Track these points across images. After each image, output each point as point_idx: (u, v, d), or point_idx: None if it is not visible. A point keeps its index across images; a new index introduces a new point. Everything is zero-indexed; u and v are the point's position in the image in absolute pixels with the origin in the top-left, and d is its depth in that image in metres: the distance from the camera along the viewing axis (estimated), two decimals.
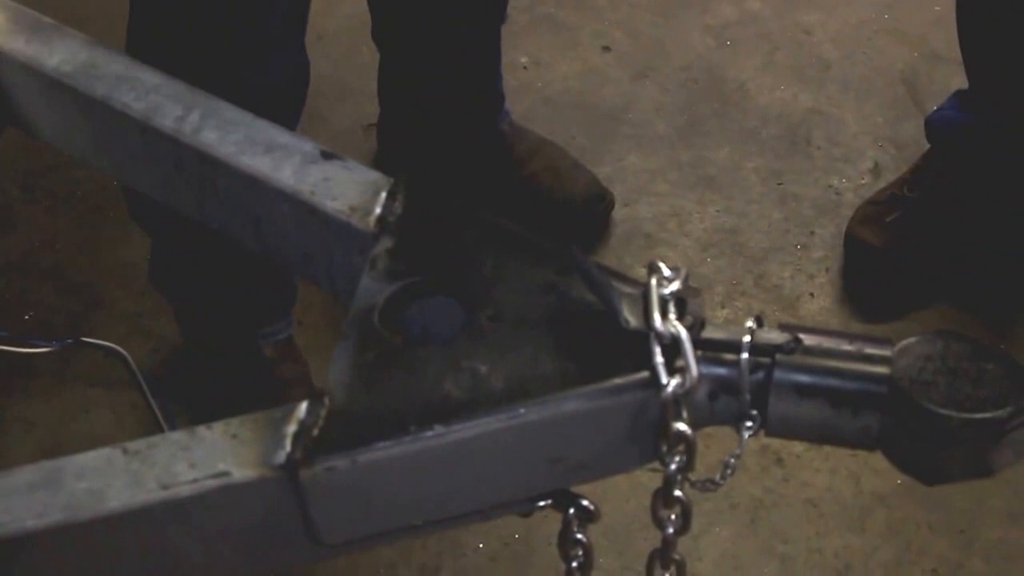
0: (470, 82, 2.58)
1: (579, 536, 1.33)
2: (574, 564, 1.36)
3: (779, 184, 2.79)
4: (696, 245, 2.67)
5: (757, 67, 3.07)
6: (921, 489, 2.28)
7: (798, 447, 2.32)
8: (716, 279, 2.61)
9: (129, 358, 1.77)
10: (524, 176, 2.63)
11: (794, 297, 2.59)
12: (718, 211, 2.74)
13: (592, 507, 1.30)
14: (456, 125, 2.60)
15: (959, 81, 2.63)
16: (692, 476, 1.27)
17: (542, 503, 1.29)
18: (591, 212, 2.65)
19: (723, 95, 3.00)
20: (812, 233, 2.70)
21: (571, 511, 1.30)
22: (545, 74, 3.06)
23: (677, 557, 1.34)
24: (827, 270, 2.64)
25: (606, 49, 3.13)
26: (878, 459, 2.27)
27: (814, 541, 2.23)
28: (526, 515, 1.34)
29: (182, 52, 1.87)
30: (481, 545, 2.21)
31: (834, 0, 3.17)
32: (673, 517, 1.29)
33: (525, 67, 3.07)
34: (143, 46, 2.03)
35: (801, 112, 2.94)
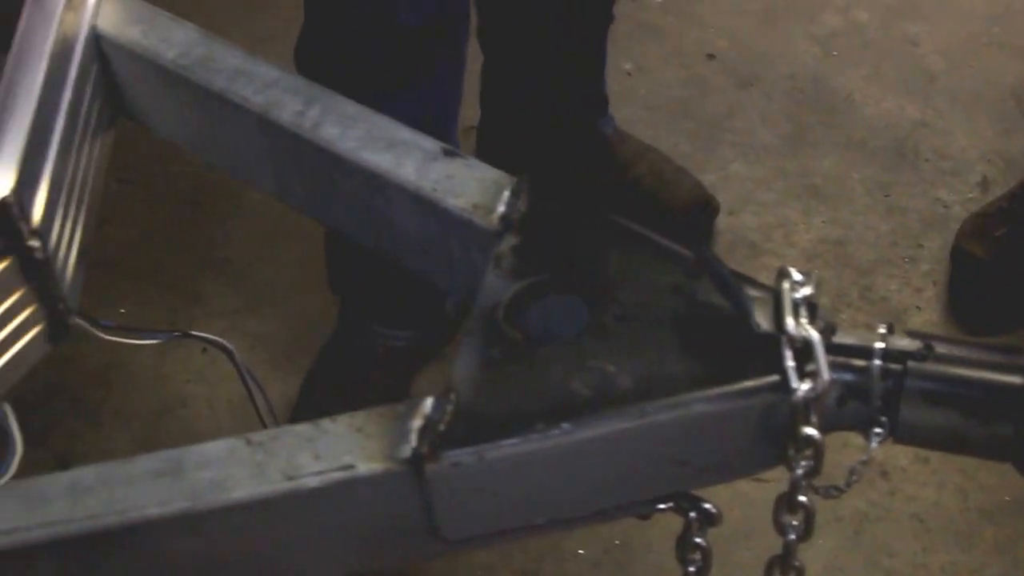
0: (575, 85, 2.59)
1: (698, 540, 1.33)
2: (691, 568, 1.36)
3: (886, 196, 2.78)
4: (801, 256, 2.65)
5: (863, 77, 3.05)
6: None
7: (904, 460, 2.31)
8: (822, 291, 2.59)
9: (235, 353, 1.78)
10: (628, 180, 2.63)
11: (900, 310, 2.57)
12: (824, 222, 2.73)
13: (715, 510, 1.30)
14: (559, 128, 2.60)
15: None
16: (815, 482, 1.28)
17: (663, 505, 1.30)
18: (695, 218, 2.65)
19: (829, 105, 2.99)
20: (919, 246, 2.68)
21: (692, 514, 1.30)
22: (649, 81, 3.06)
23: (797, 563, 1.34)
24: (934, 283, 2.62)
25: (710, 57, 3.12)
26: (986, 475, 2.28)
27: (920, 556, 2.22)
28: (645, 517, 1.34)
29: None
30: (582, 551, 2.21)
31: (941, 11, 3.14)
32: (796, 523, 1.29)
33: (629, 73, 3.07)
34: None
35: (908, 124, 2.93)
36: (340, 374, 2.51)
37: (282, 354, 2.56)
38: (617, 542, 2.20)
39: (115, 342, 2.49)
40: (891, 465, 2.31)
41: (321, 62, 2.11)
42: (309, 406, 2.47)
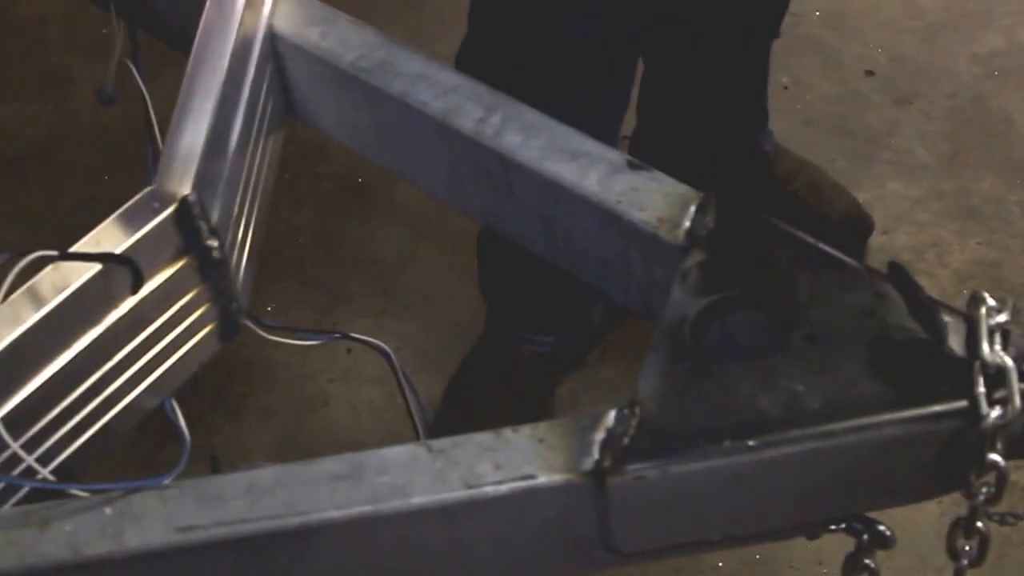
0: (737, 99, 2.58)
1: (867, 562, 1.33)
2: None
3: None
4: (954, 277, 2.64)
5: None
6: None
7: None
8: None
9: (393, 356, 1.80)
10: (785, 195, 2.63)
11: None
12: (979, 243, 2.71)
13: (889, 533, 1.30)
14: (719, 142, 2.60)
15: None
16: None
17: (836, 527, 1.30)
18: (850, 235, 2.64)
19: (989, 125, 2.96)
20: None
21: (865, 536, 1.30)
22: (806, 95, 3.05)
23: None
24: None
25: (869, 73, 3.10)
26: None
27: None
28: (814, 537, 1.34)
29: None
30: (721, 564, 2.21)
31: None
32: (968, 548, 1.29)
33: (786, 87, 3.06)
34: None
35: None
36: (483, 378, 2.53)
37: (426, 357, 2.58)
38: (757, 556, 2.20)
39: (259, 339, 2.55)
40: None
41: (483, 72, 2.12)
42: (452, 410, 2.49)
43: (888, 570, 2.00)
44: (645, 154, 2.63)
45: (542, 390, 2.53)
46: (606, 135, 2.17)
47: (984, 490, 1.23)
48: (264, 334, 1.73)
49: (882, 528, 1.30)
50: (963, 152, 2.90)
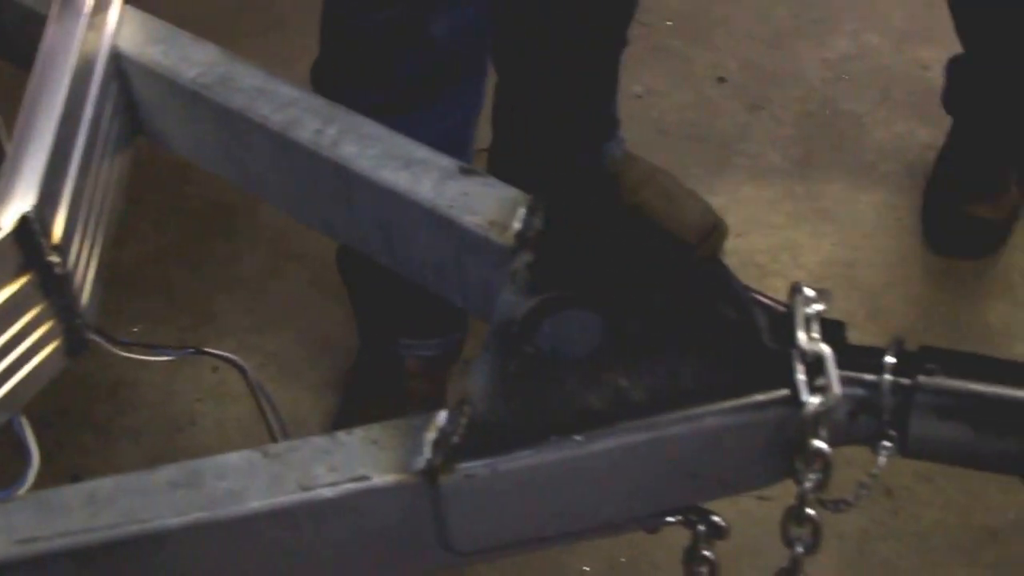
0: (586, 107, 2.62)
1: (706, 553, 1.35)
2: None
3: (896, 219, 2.81)
4: (809, 277, 2.67)
5: (874, 102, 3.08)
6: None
7: (908, 479, 2.33)
8: (829, 312, 2.62)
9: (248, 370, 1.80)
10: (636, 203, 2.66)
11: (908, 331, 2.59)
12: (833, 244, 2.76)
13: (723, 523, 1.32)
14: (567, 150, 2.63)
15: None
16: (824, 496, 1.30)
17: (672, 518, 1.32)
18: (704, 239, 2.68)
19: (839, 129, 3.02)
20: (928, 267, 2.71)
21: (700, 527, 1.33)
22: (660, 103, 3.09)
23: None
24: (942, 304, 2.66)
25: (721, 80, 3.15)
26: (991, 494, 2.31)
27: (922, 574, 2.24)
28: (652, 530, 1.36)
29: None
30: (587, 568, 2.24)
31: (952, 36, 3.16)
32: (803, 536, 1.32)
33: (639, 96, 3.10)
34: None
35: (918, 147, 2.95)
36: (377, 391, 2.54)
37: (292, 372, 2.59)
38: (623, 560, 2.23)
39: (125, 361, 2.53)
40: (895, 484, 2.34)
41: (344, 80, 2.14)
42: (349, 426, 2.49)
43: (752, 569, 2.05)
44: (502, 165, 2.69)
45: (438, 390, 2.54)
46: (457, 139, 2.20)
47: (812, 477, 1.26)
48: (116, 351, 1.73)
49: (716, 519, 1.32)
50: (814, 155, 2.96)
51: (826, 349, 1.21)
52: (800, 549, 1.33)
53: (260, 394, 1.83)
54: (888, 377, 1.23)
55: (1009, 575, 2.26)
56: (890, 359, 1.24)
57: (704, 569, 1.37)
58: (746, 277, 2.52)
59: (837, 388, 1.20)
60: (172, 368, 2.60)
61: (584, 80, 2.58)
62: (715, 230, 2.70)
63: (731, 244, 2.73)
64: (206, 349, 1.87)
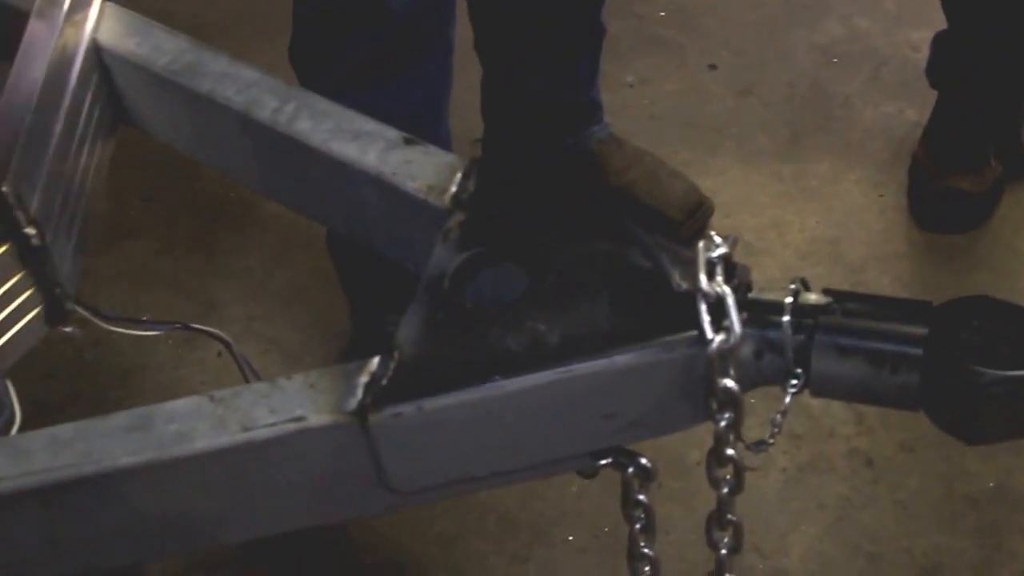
0: (567, 93, 2.70)
1: (640, 497, 1.43)
2: (637, 526, 1.46)
3: (880, 196, 2.87)
4: (795, 254, 2.75)
5: (863, 83, 3.15)
6: (1014, 493, 2.37)
7: (889, 449, 2.39)
8: (812, 287, 2.69)
9: (233, 344, 1.91)
10: (622, 184, 2.74)
11: None
12: (818, 222, 2.83)
13: (650, 465, 1.41)
14: (553, 135, 2.72)
15: None
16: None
17: (602, 461, 1.41)
18: (689, 219, 2.75)
19: (827, 110, 3.09)
20: (912, 241, 2.78)
21: (630, 470, 1.41)
22: (651, 92, 3.17)
23: (733, 518, 1.44)
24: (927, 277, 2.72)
25: (712, 67, 3.23)
26: (971, 463, 2.38)
27: (903, 541, 2.30)
28: (588, 476, 1.45)
29: None
30: (571, 537, 2.31)
31: (943, 17, 3.24)
32: (728, 477, 1.40)
33: (631, 85, 3.19)
34: None
35: (906, 126, 3.01)
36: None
37: (294, 357, 2.68)
38: (606, 529, 2.30)
39: (135, 348, 2.65)
40: (876, 454, 2.40)
41: (313, 57, 2.25)
42: None
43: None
44: (494, 153, 2.79)
45: None
46: (432, 108, 2.30)
47: (727, 416, 1.33)
48: (101, 323, 1.84)
49: (644, 461, 1.41)
50: (802, 136, 3.03)
51: (727, 290, 1.29)
52: (725, 490, 1.40)
53: (244, 365, 1.95)
54: (788, 318, 1.31)
55: (989, 543, 2.31)
56: (790, 300, 1.32)
57: (640, 513, 1.45)
58: (733, 256, 2.62)
59: (737, 327, 1.28)
60: (179, 354, 2.69)
61: (563, 67, 2.66)
62: (700, 208, 2.77)
63: (719, 224, 2.79)
64: (191, 324, 1.99)
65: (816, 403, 2.41)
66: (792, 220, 2.84)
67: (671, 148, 2.97)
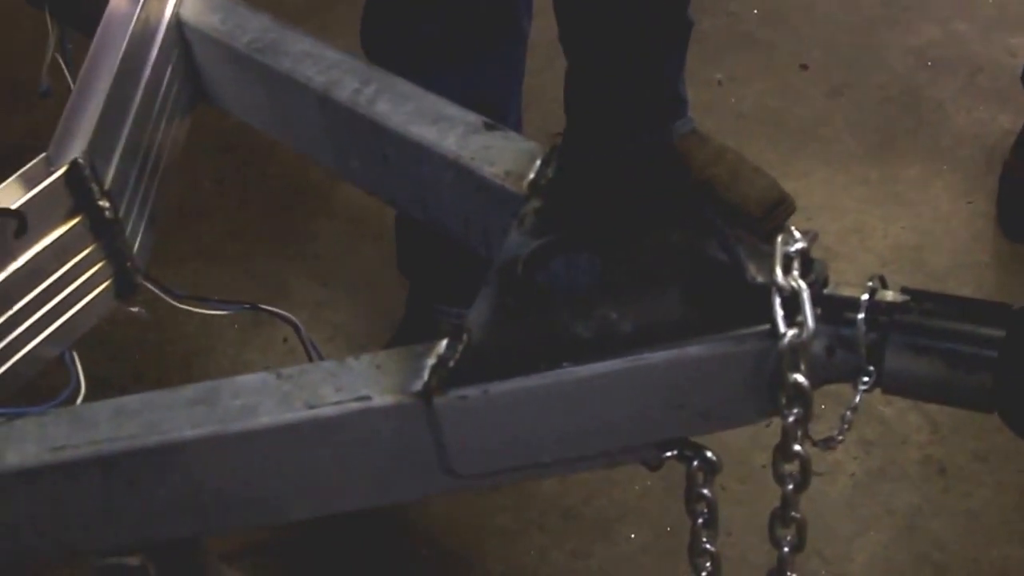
0: (652, 86, 2.73)
1: (704, 490, 1.45)
2: (700, 521, 1.48)
3: (969, 203, 2.89)
4: (876, 260, 2.77)
5: (957, 88, 3.16)
6: None
7: (962, 458, 2.41)
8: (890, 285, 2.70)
9: (301, 327, 1.95)
10: (703, 179, 2.77)
11: None
12: (903, 228, 2.84)
13: (715, 458, 1.42)
14: (637, 129, 2.75)
15: None
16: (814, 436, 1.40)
17: (668, 453, 1.43)
18: (769, 214, 2.77)
19: (919, 114, 3.10)
20: (998, 251, 2.78)
21: (695, 463, 1.43)
22: (739, 90, 3.20)
23: (797, 516, 1.45)
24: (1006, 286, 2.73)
25: (803, 67, 3.25)
26: None
27: (971, 551, 2.31)
28: (654, 468, 1.47)
29: None
30: (633, 535, 2.34)
31: None
32: (793, 473, 1.41)
33: (720, 83, 3.22)
34: None
35: (998, 134, 3.03)
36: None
37: (359, 345, 2.74)
38: (668, 528, 2.33)
39: (199, 330, 2.71)
40: (949, 462, 2.41)
41: (381, 39, 2.30)
42: None
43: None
44: (575, 147, 2.81)
45: None
46: (502, 96, 2.34)
47: (795, 411, 1.34)
48: (171, 300, 1.89)
49: (709, 454, 1.42)
50: (892, 140, 3.05)
51: (803, 285, 1.31)
52: (791, 486, 1.41)
53: (311, 349, 1.98)
54: (863, 315, 1.33)
55: None
56: (866, 297, 1.34)
57: (703, 507, 1.47)
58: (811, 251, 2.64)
59: (811, 322, 1.30)
60: (244, 339, 2.75)
61: (649, 60, 2.69)
62: (781, 204, 2.80)
63: (800, 226, 2.79)
64: (260, 305, 2.03)
65: (890, 410, 2.43)
66: (876, 225, 2.86)
67: (756, 147, 2.99)
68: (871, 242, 2.82)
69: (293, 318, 2.02)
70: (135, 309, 1.88)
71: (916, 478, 2.40)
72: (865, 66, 3.24)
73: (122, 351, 2.69)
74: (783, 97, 3.18)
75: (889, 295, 1.36)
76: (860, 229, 2.85)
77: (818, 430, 1.38)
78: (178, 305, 1.93)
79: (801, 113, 3.14)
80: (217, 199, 3.08)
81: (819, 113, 3.13)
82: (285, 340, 2.73)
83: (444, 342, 1.37)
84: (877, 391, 1.36)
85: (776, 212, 2.79)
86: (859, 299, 1.35)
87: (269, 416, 1.35)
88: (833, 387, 1.39)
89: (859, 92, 3.17)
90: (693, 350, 1.32)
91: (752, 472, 2.34)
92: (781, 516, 1.45)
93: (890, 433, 2.44)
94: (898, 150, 3.02)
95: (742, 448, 2.27)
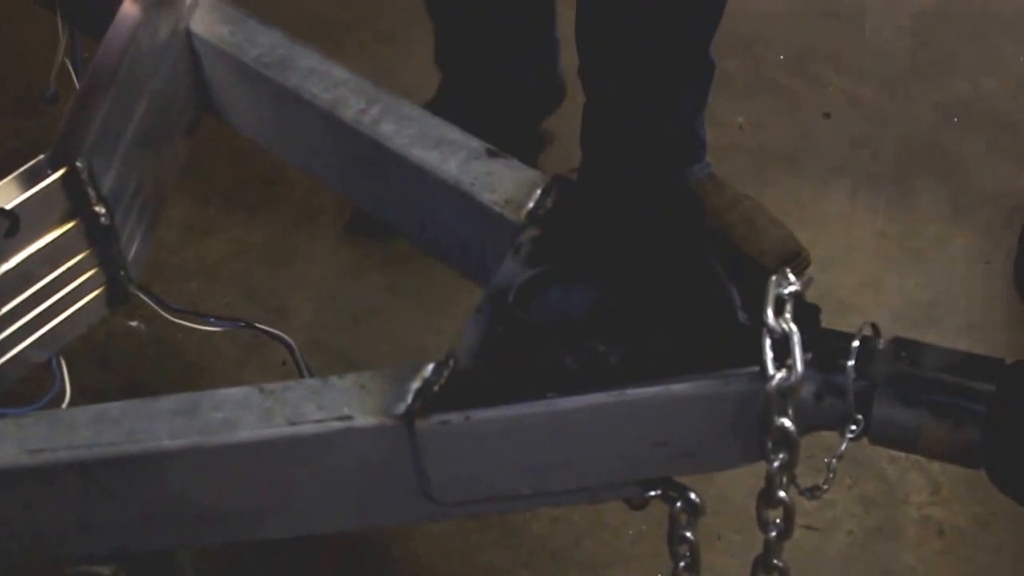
0: (671, 127, 2.76)
1: (687, 533, 1.48)
2: (681, 564, 1.51)
3: (987, 263, 2.90)
4: (888, 315, 2.78)
5: (982, 146, 3.18)
6: None
7: (963, 522, 2.42)
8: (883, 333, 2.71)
9: (295, 347, 1.98)
10: (718, 226, 2.79)
11: None
12: (917, 284, 2.85)
13: (698, 500, 1.45)
14: (653, 170, 2.78)
15: None
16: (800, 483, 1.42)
17: (651, 492, 1.45)
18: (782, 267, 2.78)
19: (941, 170, 3.12)
20: (1013, 313, 2.80)
21: (678, 504, 1.46)
22: (760, 135, 3.22)
23: (779, 563, 1.48)
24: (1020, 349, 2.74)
25: (826, 115, 3.28)
26: None
27: None
28: (637, 506, 1.50)
29: None
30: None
31: None
32: (777, 520, 1.44)
33: (741, 127, 3.24)
34: None
35: (1020, 194, 3.04)
36: None
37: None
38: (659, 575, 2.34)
39: (200, 347, 2.73)
40: (949, 525, 2.42)
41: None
42: None
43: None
44: (591, 185, 2.84)
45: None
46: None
47: (781, 456, 1.37)
48: (161, 311, 1.92)
49: (692, 496, 1.45)
50: (912, 195, 3.06)
51: (793, 327, 1.33)
52: (773, 533, 1.44)
53: (305, 371, 2.02)
54: (853, 362, 1.35)
55: None
56: (856, 344, 1.36)
57: (685, 550, 1.50)
58: (823, 312, 2.66)
59: (800, 366, 1.32)
60: (242, 360, 2.77)
61: (667, 99, 2.72)
62: (796, 258, 2.81)
63: (814, 277, 2.83)
64: (255, 324, 2.06)
65: (892, 468, 2.45)
66: (890, 280, 2.87)
67: (774, 194, 3.01)
68: (884, 296, 2.84)
69: (287, 338, 2.05)
70: (133, 323, 1.91)
71: (914, 539, 2.41)
72: (889, 119, 3.26)
73: (117, 363, 2.71)
74: (805, 145, 3.20)
75: (881, 343, 1.39)
76: (875, 283, 2.86)
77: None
78: (174, 320, 1.97)
79: (822, 162, 3.16)
80: (224, 216, 3.11)
81: (840, 163, 3.15)
82: (284, 363, 2.74)
83: (430, 366, 1.40)
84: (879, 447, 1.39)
85: (791, 266, 2.80)
86: (850, 346, 1.37)
87: (249, 431, 1.38)
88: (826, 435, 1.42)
89: (882, 145, 3.19)
90: (679, 387, 1.35)
91: (749, 523, 2.31)
92: (764, 563, 1.48)
93: (891, 492, 2.45)
94: (917, 205, 3.04)
95: (738, 497, 2.27)
